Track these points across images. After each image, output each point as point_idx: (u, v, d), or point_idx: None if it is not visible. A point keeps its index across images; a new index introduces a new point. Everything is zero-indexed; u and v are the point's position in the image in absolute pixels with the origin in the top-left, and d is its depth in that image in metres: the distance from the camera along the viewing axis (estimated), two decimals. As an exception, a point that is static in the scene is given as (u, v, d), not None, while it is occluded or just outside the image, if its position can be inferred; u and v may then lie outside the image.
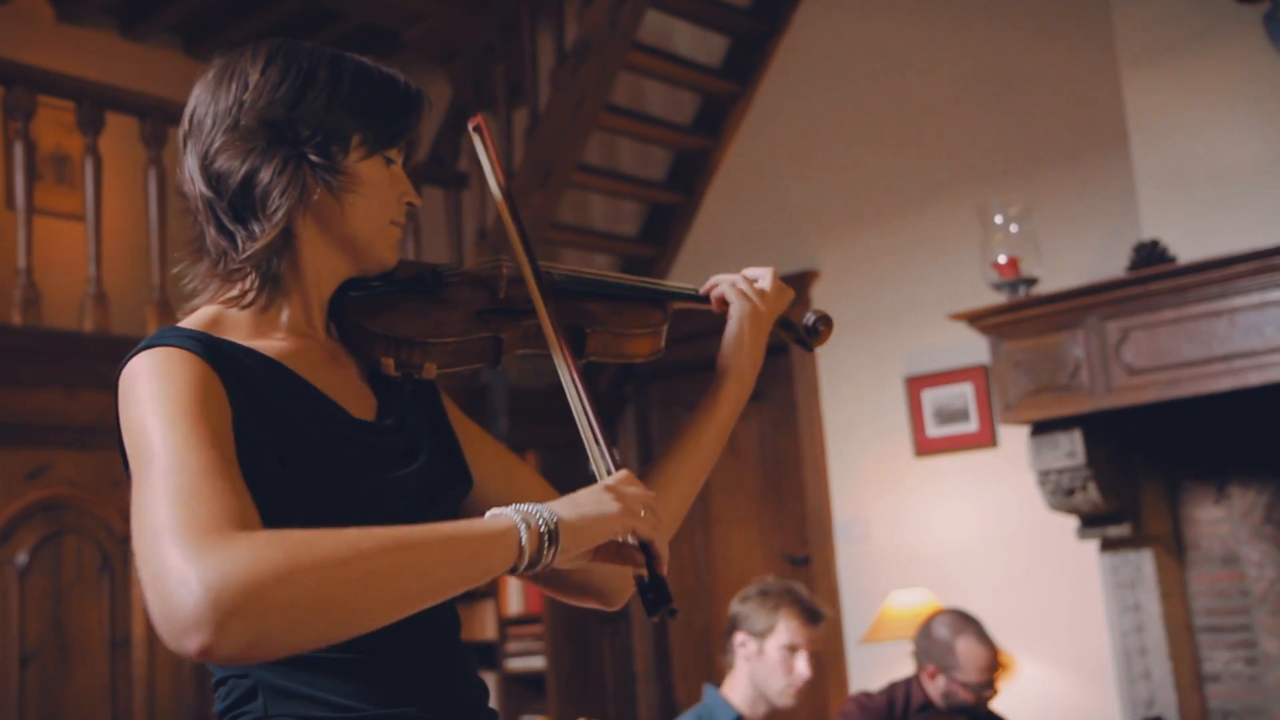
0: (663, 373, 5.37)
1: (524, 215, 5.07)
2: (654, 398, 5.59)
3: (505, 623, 5.42)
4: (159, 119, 4.39)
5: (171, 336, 1.16)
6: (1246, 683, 3.86)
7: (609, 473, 1.25)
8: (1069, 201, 4.29)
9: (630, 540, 1.17)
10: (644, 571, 1.17)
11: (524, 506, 1.11)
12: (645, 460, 5.55)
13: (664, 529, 1.21)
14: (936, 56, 4.70)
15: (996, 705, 4.04)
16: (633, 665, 5.52)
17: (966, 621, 3.24)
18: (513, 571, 1.09)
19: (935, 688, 3.21)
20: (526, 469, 1.44)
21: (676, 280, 5.52)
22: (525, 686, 5.46)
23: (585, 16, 4.91)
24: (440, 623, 1.24)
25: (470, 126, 1.45)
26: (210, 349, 1.15)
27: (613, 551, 1.18)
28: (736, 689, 2.88)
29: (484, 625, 5.63)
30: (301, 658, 1.11)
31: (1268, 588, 3.84)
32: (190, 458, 1.04)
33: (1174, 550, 3.98)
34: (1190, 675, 3.91)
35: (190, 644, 0.92)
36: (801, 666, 2.84)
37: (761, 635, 2.87)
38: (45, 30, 5.65)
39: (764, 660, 2.85)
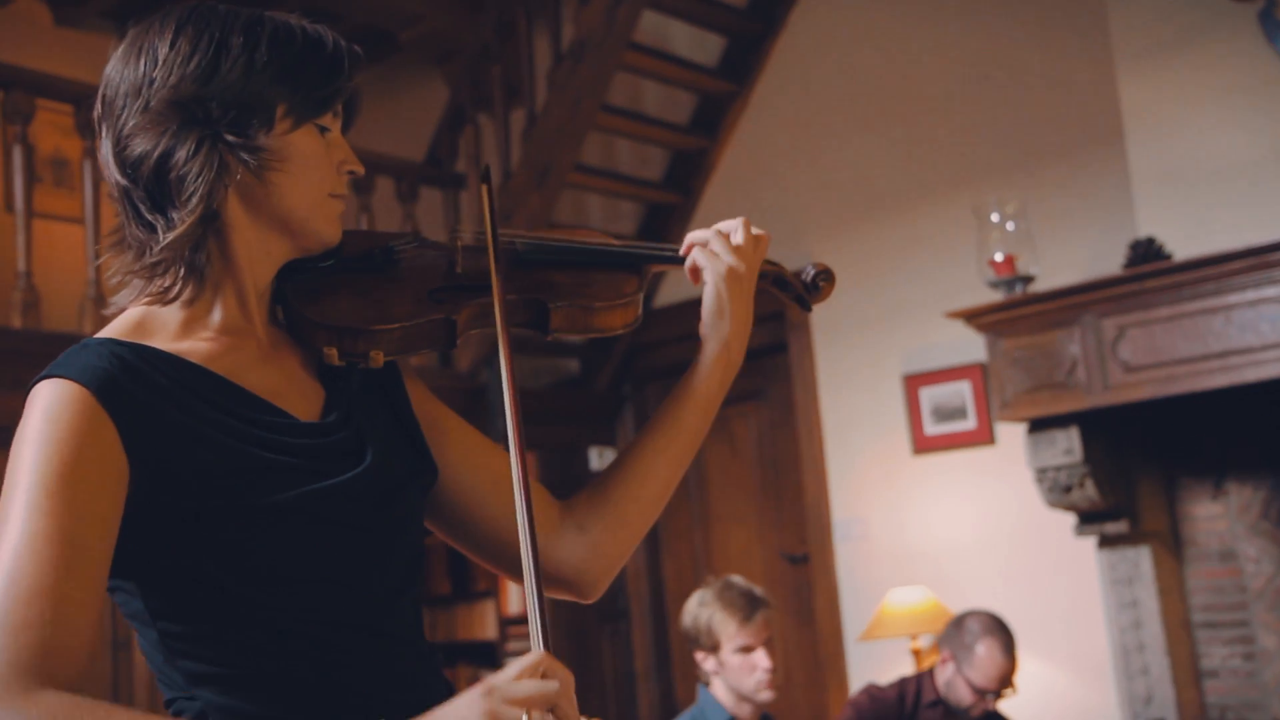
0: (662, 372, 5.37)
1: (520, 217, 5.07)
2: (652, 397, 5.59)
3: (506, 622, 5.43)
4: (157, 121, 4.40)
5: (75, 365, 1.08)
6: (1244, 678, 3.88)
7: (537, 629, 1.08)
8: (1065, 199, 4.30)
9: None
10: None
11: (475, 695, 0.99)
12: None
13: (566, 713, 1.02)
14: (932, 55, 4.71)
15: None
16: (633, 664, 5.53)
17: (1000, 629, 3.28)
18: None
19: (943, 675, 3.25)
20: (499, 453, 1.33)
21: (677, 282, 5.54)
22: (525, 686, 5.47)
23: (582, 17, 4.92)
24: (394, 630, 1.18)
25: (479, 176, 1.35)
26: (113, 386, 1.07)
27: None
28: (721, 692, 2.91)
29: (484, 625, 5.64)
30: (240, 677, 1.08)
31: (1265, 584, 3.85)
32: (42, 549, 0.99)
33: (1171, 547, 4.00)
34: (1188, 671, 3.92)
35: None
36: (761, 660, 2.84)
37: (712, 649, 2.88)
38: (44, 33, 5.66)
39: (727, 670, 2.87)
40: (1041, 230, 4.13)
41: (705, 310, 1.36)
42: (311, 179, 1.17)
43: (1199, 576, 3.98)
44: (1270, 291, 3.35)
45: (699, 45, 5.35)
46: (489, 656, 5.43)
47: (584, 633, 5.35)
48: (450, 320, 1.23)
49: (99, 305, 4.09)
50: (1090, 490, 3.74)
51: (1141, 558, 3.92)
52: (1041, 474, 3.81)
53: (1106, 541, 3.97)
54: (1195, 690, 3.92)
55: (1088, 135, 4.26)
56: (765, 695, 2.86)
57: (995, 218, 3.99)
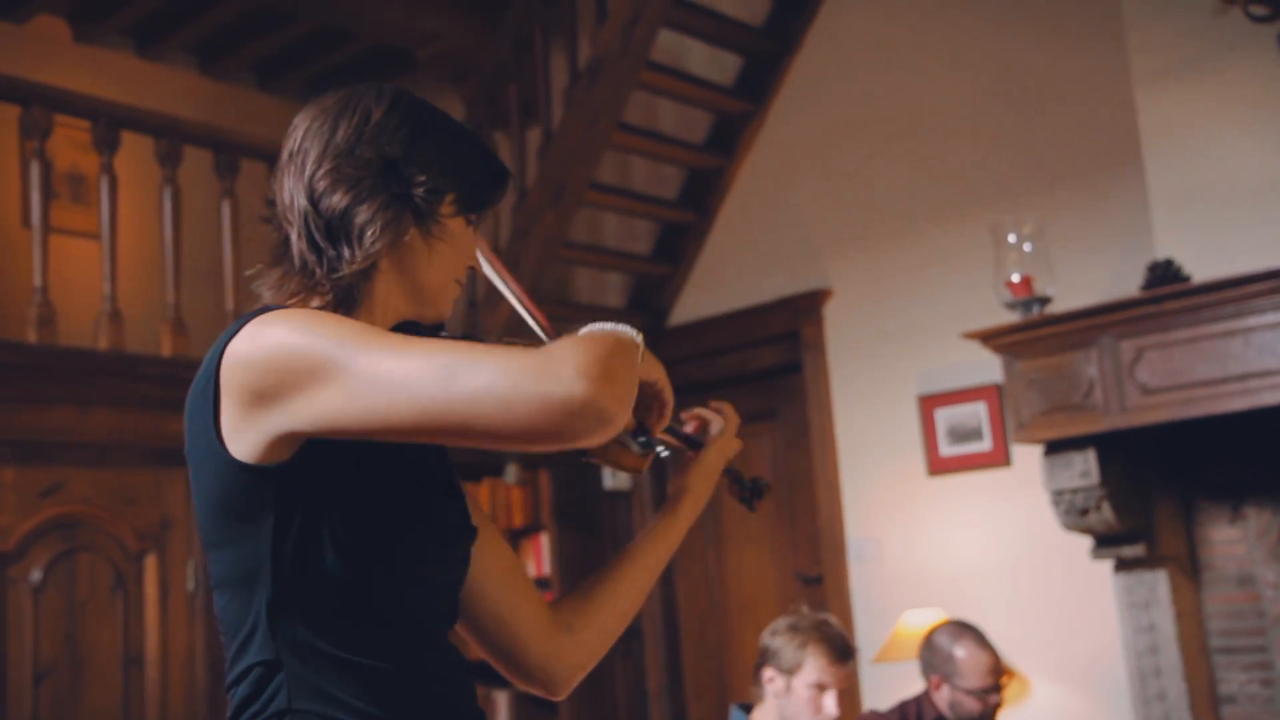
0: (675, 391, 5.35)
1: (535, 235, 5.08)
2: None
3: (517, 641, 5.42)
4: (174, 138, 4.42)
5: (275, 308, 1.22)
6: (1263, 704, 3.83)
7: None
8: (1083, 220, 4.28)
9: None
10: (672, 440, 1.45)
11: (609, 326, 1.25)
12: (657, 483, 5.55)
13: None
14: (949, 75, 4.70)
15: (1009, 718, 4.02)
16: (645, 684, 5.50)
17: (964, 629, 3.28)
18: None
19: (942, 699, 3.24)
20: (500, 535, 1.50)
21: (691, 301, 5.54)
22: (536, 706, 5.45)
23: (598, 36, 4.93)
24: (451, 650, 1.31)
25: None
26: None
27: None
28: (766, 716, 2.86)
29: (496, 644, 5.62)
30: (333, 657, 1.18)
31: (1284, 609, 3.81)
32: (417, 342, 1.14)
33: (1189, 571, 3.96)
34: (1205, 697, 3.88)
35: (580, 412, 1.07)
36: (830, 705, 2.80)
37: (789, 672, 2.82)
38: (62, 50, 5.69)
39: (792, 698, 2.81)
40: (1059, 251, 4.11)
41: (698, 471, 1.58)
42: (453, 261, 1.34)
43: (1216, 601, 3.94)
44: (1290, 314, 3.33)
45: (716, 64, 5.35)
46: (497, 676, 5.41)
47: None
48: None
49: (114, 321, 4.10)
50: (1107, 513, 3.71)
51: (1158, 581, 3.88)
52: (1058, 496, 3.78)
53: (1123, 565, 3.94)
54: (1213, 716, 3.88)
55: (1106, 156, 4.25)
56: None
57: (1012, 238, 3.97)
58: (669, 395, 1.37)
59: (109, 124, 4.27)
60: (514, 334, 1.45)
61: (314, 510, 1.17)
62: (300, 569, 1.18)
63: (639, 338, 1.25)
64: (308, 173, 1.28)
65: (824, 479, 4.94)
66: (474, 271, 1.42)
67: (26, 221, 4.80)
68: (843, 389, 4.92)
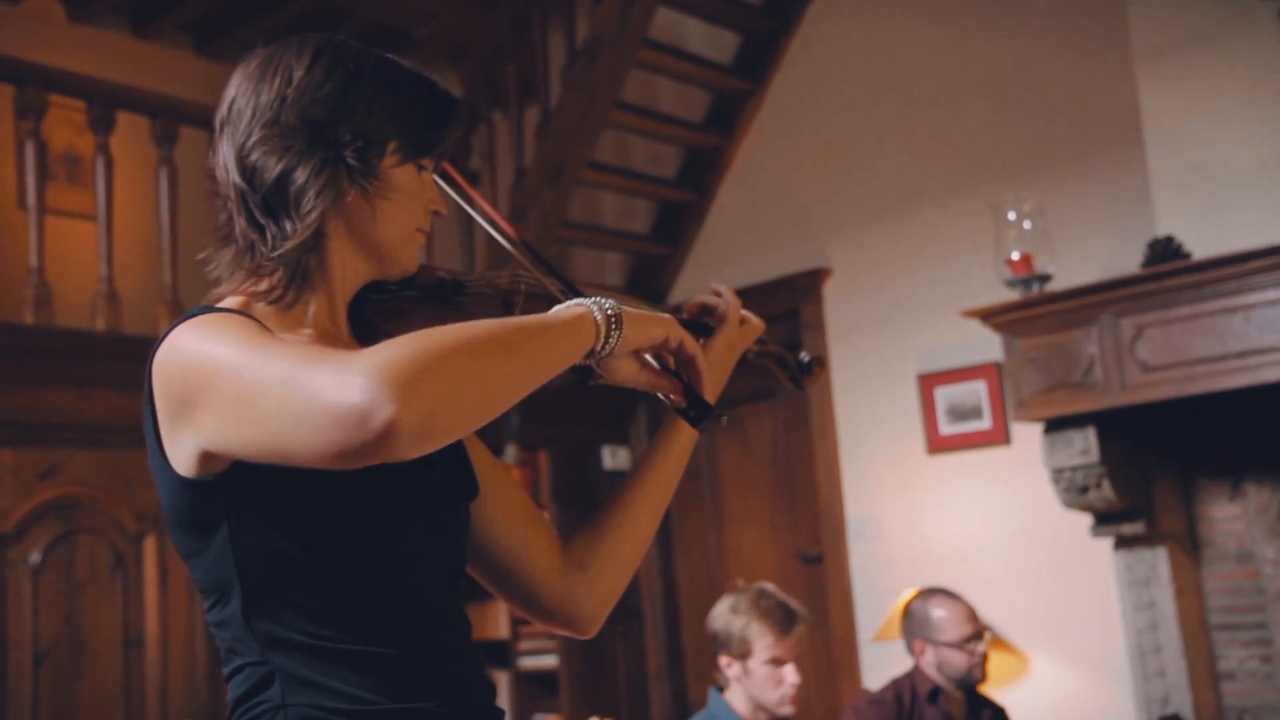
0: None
1: (533, 214, 5.06)
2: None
3: (517, 621, 5.42)
4: (170, 118, 4.40)
5: (209, 309, 1.17)
6: (1262, 680, 3.84)
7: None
8: (1083, 198, 4.27)
9: (665, 371, 1.32)
10: (679, 399, 1.32)
11: (583, 299, 1.21)
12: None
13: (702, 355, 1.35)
14: (949, 53, 4.68)
15: (1003, 698, 4.03)
16: (645, 664, 5.51)
17: (935, 591, 3.40)
18: (589, 356, 1.20)
19: (929, 664, 3.27)
20: (513, 482, 1.45)
21: (690, 281, 5.52)
22: (538, 685, 5.46)
23: (596, 14, 4.90)
24: (453, 622, 1.27)
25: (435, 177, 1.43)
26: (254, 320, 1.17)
27: (653, 374, 1.32)
28: (737, 699, 2.88)
29: (496, 624, 5.63)
30: (320, 648, 1.15)
31: (1284, 586, 3.81)
32: (280, 345, 1.07)
33: (1188, 548, 3.96)
34: (1205, 673, 3.89)
35: (375, 425, 0.96)
36: (790, 676, 2.81)
37: (742, 656, 2.83)
38: (56, 30, 5.66)
39: (752, 679, 2.83)
40: (1059, 229, 4.10)
41: (710, 360, 1.46)
42: (407, 212, 1.28)
43: (1216, 578, 3.95)
44: (1291, 291, 3.32)
45: (714, 43, 5.33)
46: (501, 656, 5.42)
47: (597, 633, 5.33)
48: None
49: (110, 302, 4.09)
50: (1107, 491, 3.71)
51: (1158, 559, 3.89)
52: (1058, 474, 3.78)
53: (1123, 542, 3.94)
54: (1212, 692, 3.89)
55: (1106, 133, 4.23)
56: (787, 710, 2.82)
57: (1012, 216, 3.96)
58: (691, 346, 1.32)
59: (104, 104, 4.24)
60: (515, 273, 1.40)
61: (265, 514, 1.14)
62: (266, 573, 1.15)
63: (599, 310, 1.19)
64: (237, 144, 1.23)
65: (824, 458, 4.94)
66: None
67: (22, 203, 4.78)
68: (842, 368, 4.91)
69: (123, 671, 3.93)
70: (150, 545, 4.06)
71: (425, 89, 1.29)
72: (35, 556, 3.80)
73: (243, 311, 1.18)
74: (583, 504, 5.49)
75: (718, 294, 1.52)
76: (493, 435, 5.24)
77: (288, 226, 1.20)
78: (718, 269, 5.40)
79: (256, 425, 1.03)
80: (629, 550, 1.43)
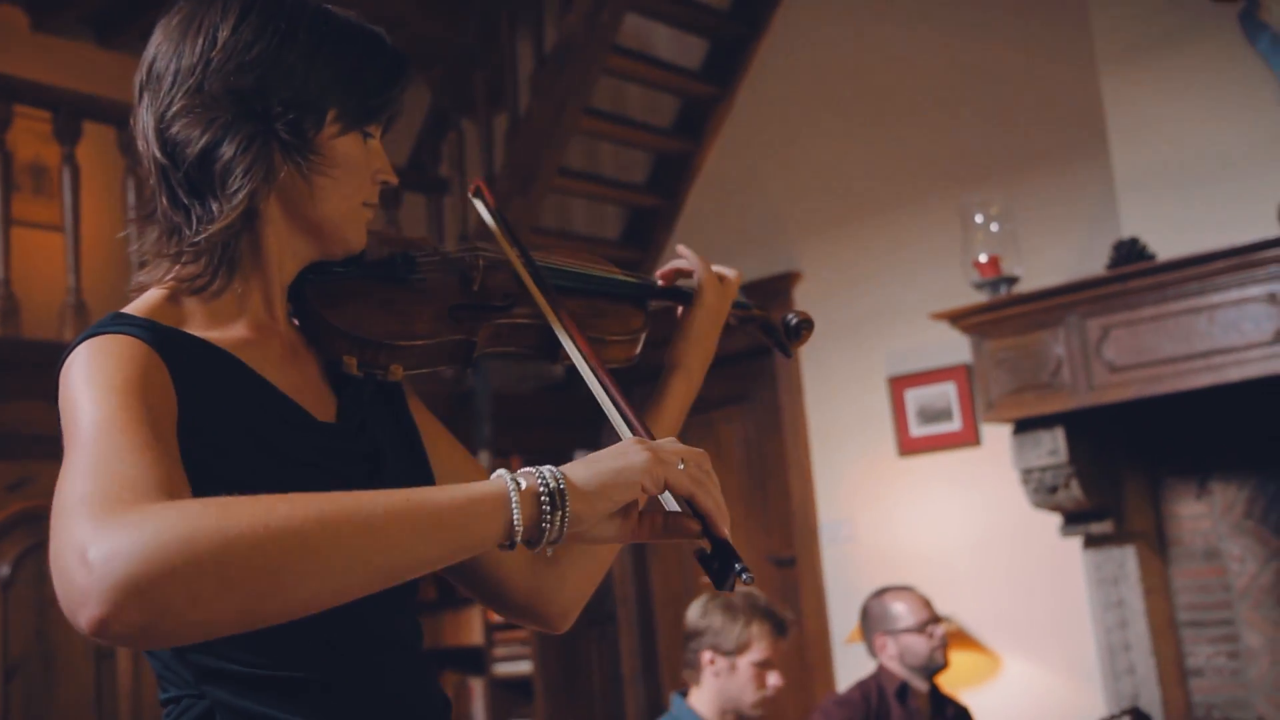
0: (648, 375, 5.36)
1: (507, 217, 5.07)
2: (638, 400, 5.58)
3: (492, 628, 5.41)
4: (137, 127, 4.37)
5: (117, 324, 1.05)
6: (1229, 677, 3.89)
7: (632, 431, 1.09)
8: (1049, 200, 4.31)
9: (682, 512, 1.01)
10: (703, 542, 1.00)
11: (527, 469, 0.96)
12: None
13: (714, 484, 1.02)
14: (916, 58, 4.71)
15: (973, 698, 4.06)
16: (620, 669, 5.52)
17: (886, 588, 3.50)
18: (507, 547, 0.94)
19: (892, 658, 3.30)
20: (476, 466, 1.35)
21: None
22: (512, 691, 5.45)
23: (564, 21, 4.91)
24: (400, 638, 1.17)
25: (470, 193, 1.34)
26: (159, 336, 1.05)
27: (657, 525, 1.02)
28: (704, 701, 2.83)
29: (471, 630, 5.62)
30: (254, 677, 1.05)
31: (1249, 582, 3.86)
32: (114, 429, 0.93)
33: (1156, 546, 4.00)
34: (1174, 670, 3.93)
35: (83, 618, 0.82)
36: (774, 680, 2.82)
37: (734, 653, 2.81)
38: (20, 39, 5.62)
39: (736, 677, 2.80)
40: (1025, 231, 4.13)
41: (689, 334, 1.39)
42: (351, 186, 1.16)
43: (1184, 576, 3.99)
44: (1254, 291, 3.36)
45: (682, 48, 5.35)
46: (476, 662, 5.41)
47: (571, 636, 5.33)
48: (470, 342, 1.23)
49: (79, 313, 4.06)
50: (1075, 490, 3.74)
51: (1127, 557, 3.92)
52: (1027, 475, 3.81)
53: (1092, 541, 3.98)
54: (1181, 689, 3.93)
55: (1071, 136, 4.27)
56: (759, 712, 2.82)
57: (979, 219, 3.99)
58: (683, 484, 1.00)
59: (70, 114, 4.22)
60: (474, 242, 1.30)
61: None
62: None
63: (519, 488, 0.94)
64: (157, 112, 1.10)
65: (795, 461, 4.96)
66: (469, 201, 1.23)
67: (-12, 214, 4.74)
68: (813, 371, 4.94)
69: (94, 684, 3.90)
70: (121, 557, 4.03)
71: (369, 46, 1.16)
72: (5, 569, 3.77)
73: (152, 323, 1.07)
74: (556, 510, 5.48)
75: (683, 256, 1.44)
76: (464, 441, 5.23)
77: (213, 207, 1.08)
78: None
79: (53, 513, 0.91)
80: (600, 546, 1.32)
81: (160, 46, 1.13)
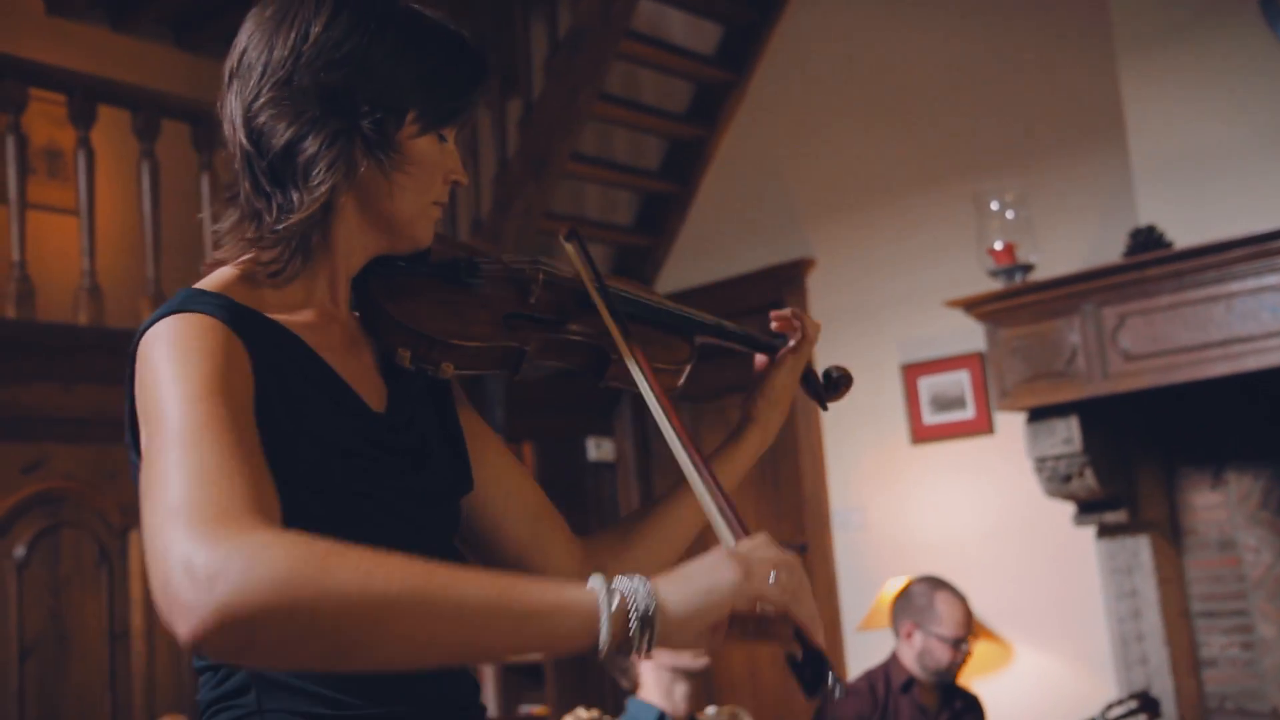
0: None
1: (516, 206, 5.05)
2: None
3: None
4: (152, 111, 4.38)
5: (198, 302, 1.08)
6: (1243, 668, 3.87)
7: (736, 539, 1.08)
8: (1065, 188, 4.28)
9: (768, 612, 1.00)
10: (794, 648, 1.00)
11: (621, 580, 0.95)
12: (642, 454, 5.55)
13: (806, 592, 1.02)
14: (932, 44, 4.69)
15: (985, 687, 4.05)
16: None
17: (942, 582, 3.38)
18: (597, 653, 0.94)
19: (911, 650, 3.27)
20: (525, 474, 1.38)
21: (673, 272, 5.52)
22: (523, 676, 5.47)
23: (578, 5, 4.90)
24: None
25: (562, 236, 1.35)
26: (235, 315, 1.08)
27: (751, 630, 1.00)
28: (650, 690, 2.84)
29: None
30: None
31: (1264, 573, 3.84)
32: (210, 437, 0.96)
33: (1170, 536, 3.99)
34: (1187, 660, 3.92)
35: (181, 630, 0.86)
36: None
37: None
38: (36, 23, 5.62)
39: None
40: (1041, 218, 4.11)
41: (768, 395, 1.44)
42: (424, 185, 1.19)
43: (1198, 566, 3.98)
44: (1271, 280, 3.34)
45: (696, 34, 5.33)
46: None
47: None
48: (521, 350, 1.26)
49: (93, 296, 4.07)
50: (1089, 480, 3.73)
51: (1140, 547, 3.91)
52: (1040, 463, 3.80)
53: (1106, 531, 3.97)
54: (1194, 679, 3.92)
55: (1088, 123, 4.24)
56: (703, 660, 2.77)
57: (995, 206, 3.97)
58: (777, 598, 1.00)
59: (85, 97, 4.22)
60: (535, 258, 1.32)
61: None
62: None
63: (613, 605, 0.93)
64: (246, 100, 1.14)
65: (808, 448, 4.96)
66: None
67: (3, 197, 4.75)
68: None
69: (108, 665, 3.92)
70: (135, 539, 4.05)
71: (452, 50, 1.19)
72: (20, 551, 3.79)
73: (228, 300, 1.10)
74: (567, 495, 5.49)
75: (797, 316, 1.46)
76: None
77: (294, 198, 1.13)
78: (701, 260, 5.40)
79: (143, 513, 0.95)
80: (660, 559, 1.36)
81: (252, 36, 1.17)
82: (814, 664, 0.98)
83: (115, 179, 5.01)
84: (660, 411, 1.20)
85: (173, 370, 1.02)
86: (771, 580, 0.99)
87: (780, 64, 5.16)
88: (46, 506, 3.87)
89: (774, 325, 1.47)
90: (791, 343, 1.45)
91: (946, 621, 3.25)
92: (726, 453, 1.42)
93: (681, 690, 2.83)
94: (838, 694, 0.97)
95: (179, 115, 4.51)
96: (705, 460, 1.17)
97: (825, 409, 1.55)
